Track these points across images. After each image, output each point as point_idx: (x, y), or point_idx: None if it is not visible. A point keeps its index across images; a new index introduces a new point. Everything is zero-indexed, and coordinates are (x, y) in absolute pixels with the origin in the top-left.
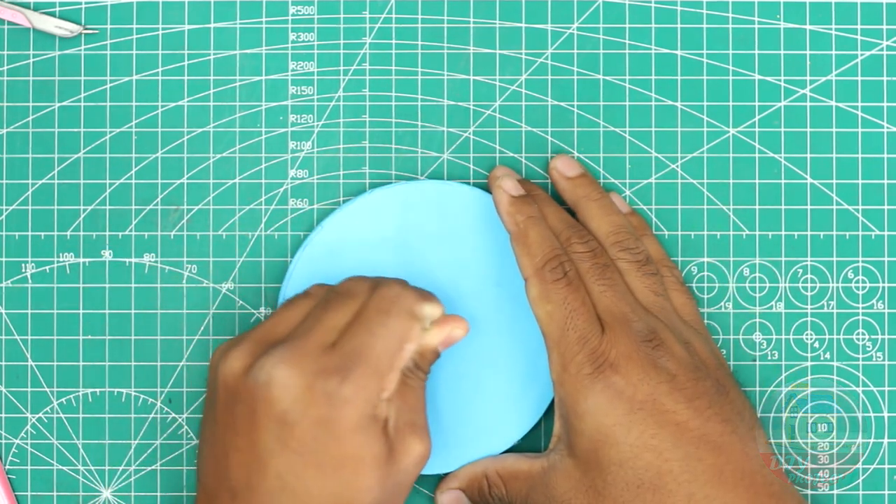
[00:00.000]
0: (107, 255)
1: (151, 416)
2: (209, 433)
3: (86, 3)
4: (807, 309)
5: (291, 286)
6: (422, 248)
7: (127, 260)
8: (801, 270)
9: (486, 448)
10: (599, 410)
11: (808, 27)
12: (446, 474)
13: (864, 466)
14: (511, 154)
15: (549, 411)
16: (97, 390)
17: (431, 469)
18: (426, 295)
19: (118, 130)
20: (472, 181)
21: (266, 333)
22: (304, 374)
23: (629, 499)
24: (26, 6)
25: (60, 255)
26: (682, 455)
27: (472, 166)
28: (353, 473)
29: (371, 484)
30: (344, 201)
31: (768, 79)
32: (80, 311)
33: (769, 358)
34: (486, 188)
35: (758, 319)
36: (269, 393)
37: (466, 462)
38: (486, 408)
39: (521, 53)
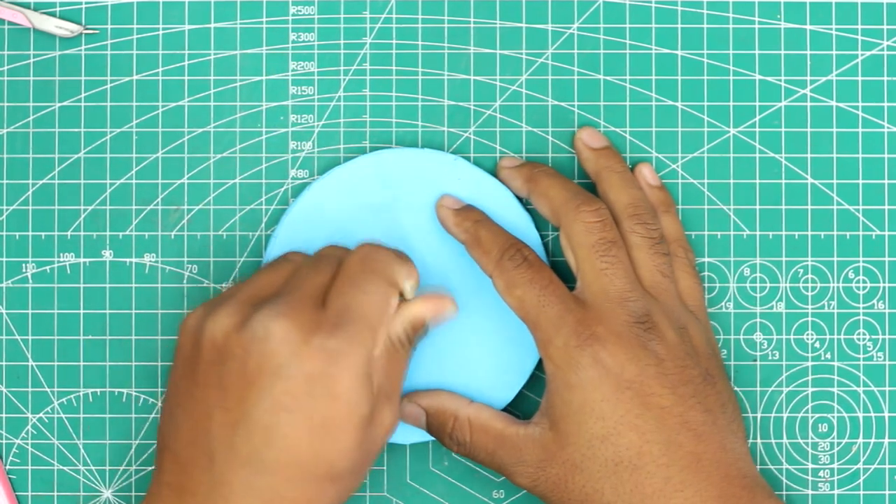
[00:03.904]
0: (107, 255)
1: (152, 416)
2: (185, 397)
3: (86, 3)
4: (807, 309)
5: (271, 255)
6: (400, 217)
7: (127, 260)
8: (801, 270)
9: None
10: (589, 384)
11: (808, 27)
12: (422, 390)
13: (865, 466)
14: (511, 154)
15: (532, 383)
16: (98, 390)
17: (411, 438)
18: (401, 255)
19: (118, 130)
20: None
21: (251, 292)
22: (301, 328)
23: (606, 475)
24: (26, 6)
25: (61, 255)
26: (663, 438)
27: None
28: (339, 433)
29: (352, 446)
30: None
31: (769, 79)
32: (81, 311)
33: (770, 358)
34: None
35: (758, 319)
36: (265, 347)
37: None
38: (468, 377)
39: (521, 53)
